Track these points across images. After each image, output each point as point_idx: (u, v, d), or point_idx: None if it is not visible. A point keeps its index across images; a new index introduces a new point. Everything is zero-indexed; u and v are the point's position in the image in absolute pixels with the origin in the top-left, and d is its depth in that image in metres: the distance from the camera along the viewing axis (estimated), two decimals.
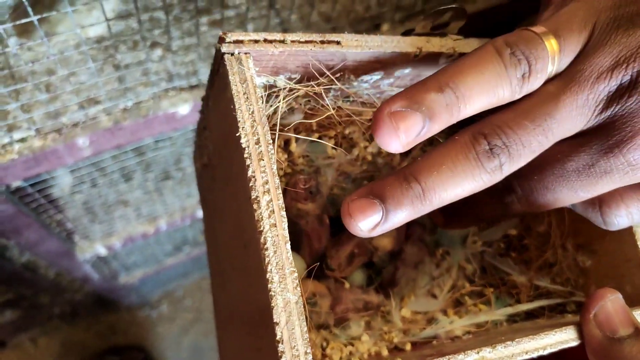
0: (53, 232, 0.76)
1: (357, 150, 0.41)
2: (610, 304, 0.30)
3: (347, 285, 0.38)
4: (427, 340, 0.36)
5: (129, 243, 0.91)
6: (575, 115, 0.27)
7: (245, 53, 0.28)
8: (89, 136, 0.53)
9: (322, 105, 0.34)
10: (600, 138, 0.27)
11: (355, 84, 0.34)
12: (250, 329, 0.29)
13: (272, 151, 0.27)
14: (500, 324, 0.37)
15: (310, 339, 0.34)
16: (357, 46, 0.30)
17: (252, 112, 0.27)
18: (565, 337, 0.30)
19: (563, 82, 0.27)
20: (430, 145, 0.42)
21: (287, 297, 0.24)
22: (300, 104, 0.34)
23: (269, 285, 0.24)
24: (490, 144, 0.27)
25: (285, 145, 0.39)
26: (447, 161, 0.27)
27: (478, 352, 0.28)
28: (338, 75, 0.33)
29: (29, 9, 0.37)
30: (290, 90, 0.32)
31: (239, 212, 0.28)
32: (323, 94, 0.33)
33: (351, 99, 0.36)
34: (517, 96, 0.28)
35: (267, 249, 0.25)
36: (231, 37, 0.28)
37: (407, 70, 0.34)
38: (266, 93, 0.32)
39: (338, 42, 0.30)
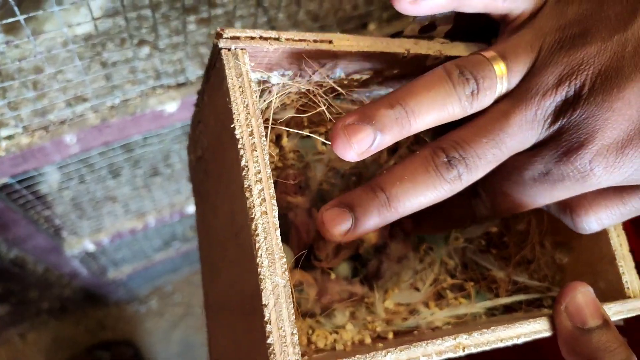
0: (41, 228, 0.76)
1: None
2: (581, 296, 0.32)
3: (332, 276, 0.39)
4: (408, 330, 0.37)
5: (117, 239, 0.91)
6: (525, 129, 0.30)
7: (242, 49, 0.29)
8: (77, 133, 0.53)
9: (314, 102, 0.35)
10: (551, 148, 0.30)
11: (345, 82, 0.35)
12: (240, 314, 0.30)
13: (265, 143, 0.28)
14: (479, 317, 0.39)
15: (297, 326, 0.35)
16: (349, 46, 0.31)
17: (247, 105, 0.28)
18: (538, 328, 0.32)
19: (512, 100, 0.30)
20: (417, 144, 0.43)
21: (275, 281, 0.26)
22: (293, 100, 0.36)
23: (259, 270, 0.25)
24: (449, 157, 0.29)
25: (277, 140, 0.40)
26: (407, 173, 0.30)
27: (455, 338, 0.29)
28: (329, 73, 0.34)
29: (16, 9, 0.37)
30: (284, 86, 0.33)
31: (232, 202, 0.30)
32: (315, 90, 0.34)
33: (341, 97, 0.37)
34: (469, 111, 0.30)
35: (257, 235, 0.26)
36: (229, 33, 0.29)
37: (395, 71, 0.35)
38: (260, 88, 0.33)
39: (330, 41, 0.31)
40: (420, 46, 0.33)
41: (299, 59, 0.32)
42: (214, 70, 0.31)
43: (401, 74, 0.36)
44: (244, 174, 0.27)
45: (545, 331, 0.32)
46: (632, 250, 0.38)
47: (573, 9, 0.30)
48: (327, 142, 0.40)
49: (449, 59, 0.32)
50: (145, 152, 0.73)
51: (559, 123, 0.29)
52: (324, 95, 0.36)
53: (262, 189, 0.27)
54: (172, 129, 0.65)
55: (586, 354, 0.30)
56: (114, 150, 0.66)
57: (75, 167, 0.68)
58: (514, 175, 0.32)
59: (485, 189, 0.34)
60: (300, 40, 0.30)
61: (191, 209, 0.94)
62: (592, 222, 0.33)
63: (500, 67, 0.30)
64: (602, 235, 0.37)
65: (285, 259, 0.26)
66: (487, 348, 0.30)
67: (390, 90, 0.37)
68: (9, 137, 0.52)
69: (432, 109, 0.29)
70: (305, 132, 0.40)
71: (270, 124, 0.33)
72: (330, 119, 0.39)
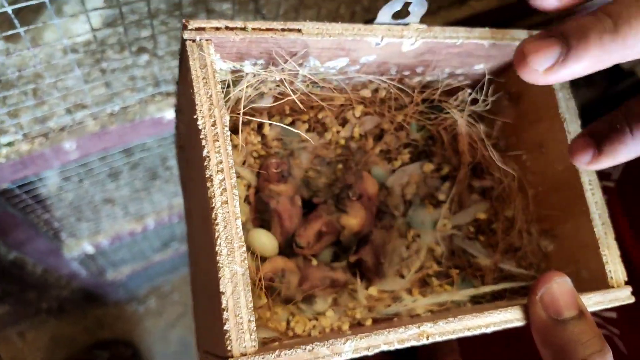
0: (40, 231, 0.77)
1: (330, 134, 0.42)
2: (557, 286, 0.31)
3: (314, 262, 0.39)
4: (388, 317, 0.37)
5: (117, 241, 0.92)
6: None
7: (207, 40, 0.29)
8: (76, 140, 0.53)
9: (293, 90, 0.35)
10: None
11: (322, 70, 0.35)
12: (209, 299, 0.30)
13: (227, 133, 0.28)
14: (464, 305, 0.38)
15: (277, 313, 0.36)
16: (318, 34, 0.31)
17: (210, 96, 0.28)
18: (509, 317, 0.31)
19: None
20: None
21: (234, 269, 0.26)
22: (270, 89, 0.35)
23: (217, 258, 0.26)
24: None
25: (259, 128, 0.40)
26: None
27: (419, 327, 0.29)
28: (301, 61, 0.33)
29: (16, 21, 0.37)
30: (254, 75, 0.33)
31: (200, 190, 0.30)
32: (285, 79, 0.34)
33: (320, 84, 0.37)
34: None
35: (217, 224, 0.26)
36: (193, 24, 0.29)
37: (372, 57, 0.35)
38: (233, 77, 0.33)
39: (299, 30, 0.31)
40: (393, 32, 0.33)
41: (268, 48, 0.31)
42: (182, 62, 0.31)
43: (378, 61, 0.36)
44: (205, 163, 0.27)
45: (517, 320, 0.31)
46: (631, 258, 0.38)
47: None
48: (301, 133, 0.40)
49: None
50: (144, 156, 0.73)
51: None
52: (299, 84, 0.35)
53: (224, 179, 0.27)
54: (172, 133, 0.66)
55: (559, 345, 0.30)
56: (113, 155, 0.66)
57: (75, 172, 0.69)
58: None
59: None
60: (267, 29, 0.30)
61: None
62: None
63: None
64: (584, 223, 0.36)
65: (244, 248, 0.27)
66: (453, 337, 0.30)
67: (369, 76, 0.38)
68: (9, 144, 0.53)
69: None
70: (287, 121, 0.40)
71: (241, 113, 0.33)
72: (302, 109, 0.39)
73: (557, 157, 0.39)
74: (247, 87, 0.34)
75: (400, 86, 0.40)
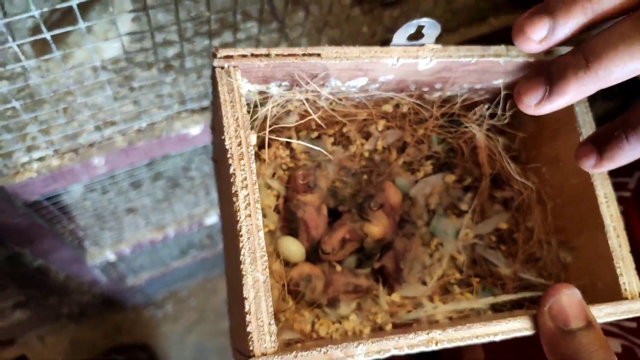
0: (65, 240, 0.79)
1: (354, 147, 0.44)
2: (565, 298, 0.32)
3: (338, 268, 0.41)
4: (409, 322, 0.38)
5: (138, 249, 0.94)
6: None
7: (234, 66, 0.32)
8: (105, 156, 0.55)
9: (317, 108, 0.38)
10: None
11: (343, 89, 0.37)
12: (237, 302, 0.32)
13: (252, 152, 0.30)
14: (484, 313, 0.39)
15: (303, 315, 0.38)
16: (336, 57, 0.33)
17: (237, 118, 0.31)
18: (517, 326, 0.32)
19: None
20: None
21: (256, 277, 0.28)
22: (296, 107, 0.38)
23: (241, 266, 0.28)
24: None
25: (288, 143, 0.42)
26: (614, 36, 0.29)
27: (428, 333, 0.30)
28: (322, 82, 0.36)
29: (49, 38, 0.39)
30: (281, 96, 0.36)
31: (228, 204, 0.32)
32: (308, 99, 0.36)
33: (342, 102, 0.39)
34: None
35: (242, 236, 0.29)
36: (222, 52, 0.31)
37: (390, 76, 0.37)
38: (261, 98, 0.36)
39: (318, 55, 0.33)
40: (408, 53, 0.34)
41: (291, 72, 0.34)
42: (213, 86, 0.33)
43: (396, 79, 0.37)
44: (231, 180, 0.29)
45: (526, 330, 0.32)
46: None
47: None
48: (317, 148, 0.41)
49: None
50: (167, 169, 0.75)
51: None
52: (322, 102, 0.38)
53: (248, 195, 0.29)
54: (194, 148, 0.67)
55: (566, 355, 0.31)
56: (139, 168, 0.68)
57: (100, 184, 0.70)
58: None
59: None
60: (289, 55, 0.32)
61: (209, 220, 0.96)
62: None
63: None
64: (599, 235, 0.37)
65: (266, 257, 0.29)
66: (461, 344, 0.31)
67: (389, 93, 0.39)
68: (41, 159, 0.55)
69: None
70: (314, 136, 0.43)
71: (267, 131, 0.36)
72: (319, 125, 0.41)
73: (573, 170, 0.40)
74: (273, 107, 0.36)
75: (420, 102, 0.41)
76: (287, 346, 0.32)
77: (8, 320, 1.19)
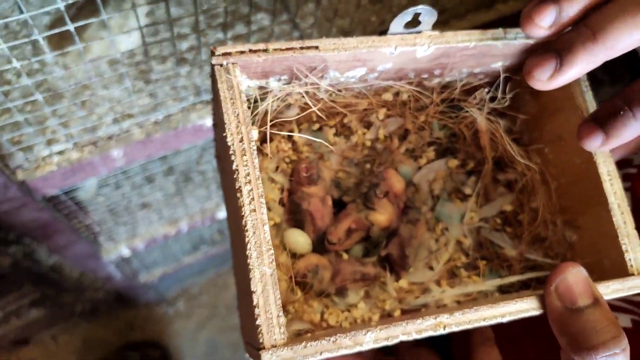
0: (81, 235, 0.80)
1: (356, 137, 0.45)
2: (571, 276, 0.32)
3: (345, 257, 0.42)
4: (417, 308, 0.39)
5: (152, 243, 0.95)
6: None
7: (233, 63, 0.32)
8: (123, 148, 0.56)
9: (317, 100, 0.38)
10: None
11: (342, 79, 0.37)
12: (245, 296, 0.33)
13: (254, 148, 0.31)
14: (491, 295, 0.40)
15: (312, 306, 0.38)
16: (334, 49, 0.33)
17: (237, 115, 0.31)
18: (525, 307, 0.33)
19: None
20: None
21: (263, 270, 0.29)
22: (296, 100, 0.38)
23: (248, 260, 0.29)
24: None
25: (290, 136, 0.43)
26: (617, 8, 0.31)
27: (436, 318, 0.31)
28: (322, 74, 0.36)
29: (76, 37, 0.40)
30: (280, 90, 0.36)
31: (232, 199, 0.33)
32: (308, 92, 0.37)
33: (342, 93, 0.40)
34: None
35: (247, 230, 0.29)
36: (220, 50, 0.32)
37: (388, 65, 0.37)
38: (260, 93, 0.36)
39: (316, 47, 0.33)
40: (406, 41, 0.35)
41: (290, 65, 0.34)
42: (213, 83, 0.34)
43: (395, 68, 0.38)
44: (235, 176, 0.30)
45: (534, 310, 0.33)
46: None
47: None
48: (318, 140, 0.42)
49: None
50: (179, 163, 0.76)
51: None
52: (321, 94, 0.38)
53: (251, 190, 0.30)
54: (208, 140, 0.68)
55: (574, 333, 0.31)
56: (153, 162, 0.69)
57: (115, 179, 0.72)
58: None
59: None
60: (287, 49, 0.33)
61: (221, 214, 0.97)
62: None
63: None
64: (603, 213, 0.38)
65: (272, 251, 0.29)
66: (469, 327, 0.31)
67: (388, 82, 0.40)
68: (60, 153, 0.56)
69: None
70: (315, 127, 0.43)
71: (268, 125, 0.36)
72: (320, 117, 0.42)
73: (575, 149, 0.40)
74: (273, 101, 0.37)
75: (419, 90, 0.42)
76: (297, 337, 0.33)
77: (24, 319, 1.21)
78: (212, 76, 0.33)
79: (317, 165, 0.43)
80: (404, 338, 0.30)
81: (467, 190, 0.46)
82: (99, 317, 1.51)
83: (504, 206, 0.45)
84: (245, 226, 0.29)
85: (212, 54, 0.32)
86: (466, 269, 0.43)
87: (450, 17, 0.61)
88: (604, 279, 0.34)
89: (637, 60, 0.32)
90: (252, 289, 0.29)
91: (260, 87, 0.36)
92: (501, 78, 0.41)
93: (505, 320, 0.32)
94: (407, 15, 0.33)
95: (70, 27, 0.39)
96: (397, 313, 0.38)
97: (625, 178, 0.38)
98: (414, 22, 0.34)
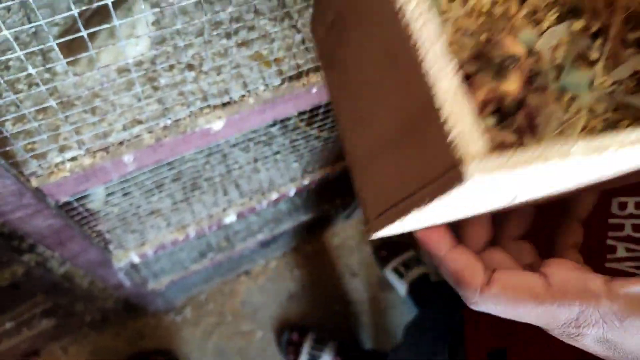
0: (93, 242, 0.81)
1: (473, 1, 0.41)
2: None
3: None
4: None
5: (160, 250, 0.96)
6: None
7: None
8: (134, 153, 0.58)
9: None
10: None
11: None
12: (406, 139, 0.30)
13: None
14: None
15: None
16: None
17: None
18: None
19: None
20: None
21: (449, 82, 0.26)
22: None
23: (425, 79, 0.26)
24: None
25: None
26: None
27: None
28: None
29: (83, 31, 0.42)
30: None
31: (381, 37, 0.30)
32: None
33: None
34: None
35: (420, 47, 0.26)
36: None
37: None
38: None
39: None
40: None
41: None
42: None
43: None
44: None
45: None
46: None
47: None
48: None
49: None
50: (187, 168, 0.78)
51: None
52: None
53: (417, 4, 0.27)
54: (214, 144, 0.70)
55: None
56: (161, 167, 0.71)
57: (123, 186, 0.73)
58: None
59: None
60: None
61: (228, 219, 0.98)
62: None
63: None
64: None
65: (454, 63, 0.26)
66: None
67: None
68: (73, 159, 0.57)
69: None
70: None
71: None
72: None
73: None
74: None
75: None
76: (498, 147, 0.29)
77: (35, 330, 1.22)
78: None
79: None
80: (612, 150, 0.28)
81: (594, 55, 0.42)
82: (108, 327, 1.53)
83: (638, 66, 0.42)
84: (418, 41, 0.26)
85: None
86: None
87: None
88: None
89: None
90: (436, 107, 0.25)
91: None
92: None
93: None
94: None
95: (84, 32, 0.40)
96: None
97: None
98: None
